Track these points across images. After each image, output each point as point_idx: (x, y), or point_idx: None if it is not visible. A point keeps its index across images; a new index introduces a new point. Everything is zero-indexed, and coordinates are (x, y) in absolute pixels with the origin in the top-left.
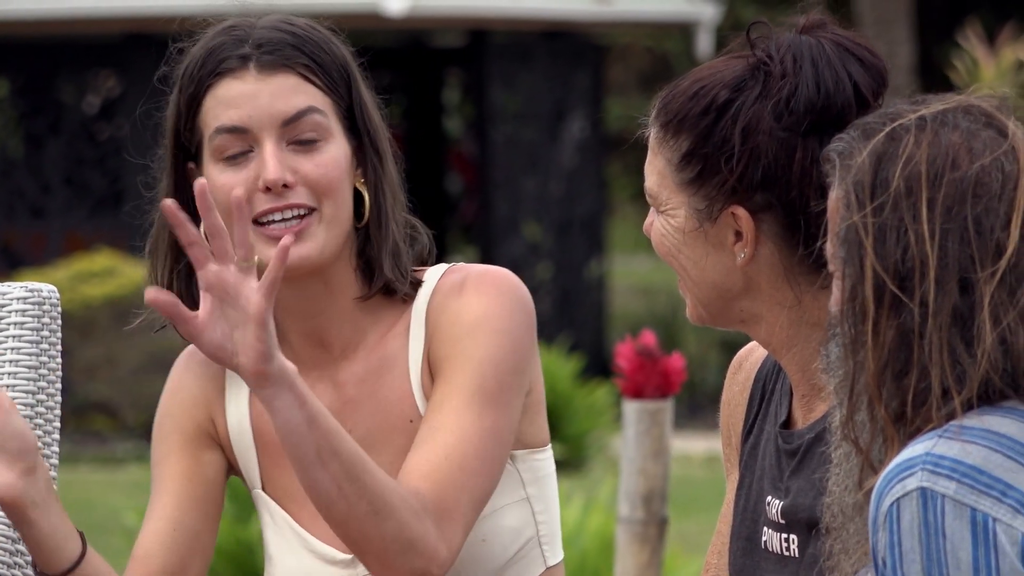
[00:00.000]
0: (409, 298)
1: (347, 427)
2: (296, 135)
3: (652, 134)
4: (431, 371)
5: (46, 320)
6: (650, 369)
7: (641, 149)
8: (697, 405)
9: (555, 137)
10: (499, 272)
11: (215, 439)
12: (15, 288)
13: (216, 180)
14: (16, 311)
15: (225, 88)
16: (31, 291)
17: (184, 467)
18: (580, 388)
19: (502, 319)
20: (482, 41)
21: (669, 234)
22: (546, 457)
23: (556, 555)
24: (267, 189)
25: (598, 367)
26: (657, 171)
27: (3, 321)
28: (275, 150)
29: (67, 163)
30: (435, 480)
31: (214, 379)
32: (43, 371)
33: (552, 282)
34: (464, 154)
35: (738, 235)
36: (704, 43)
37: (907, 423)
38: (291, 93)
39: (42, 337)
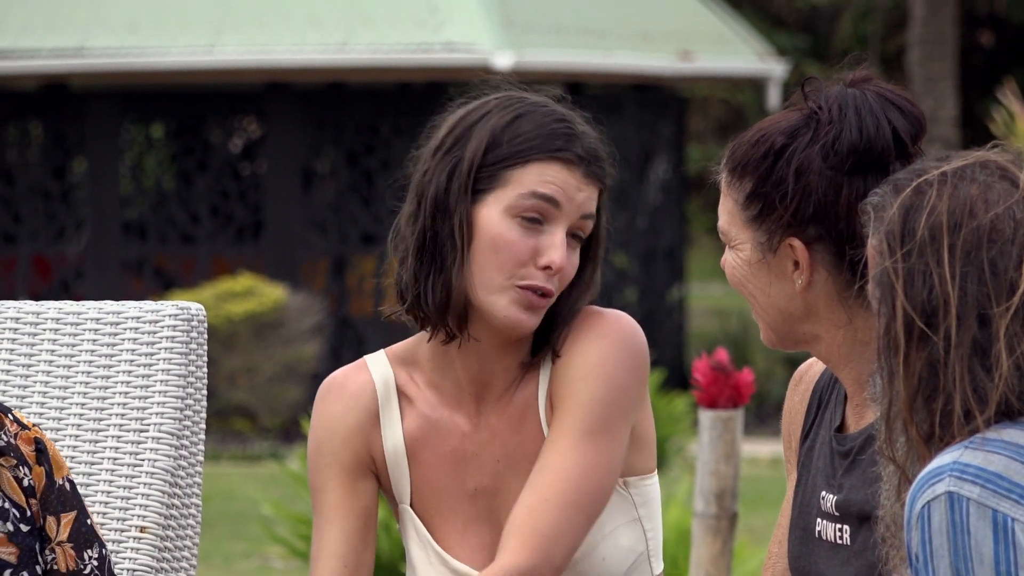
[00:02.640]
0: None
1: (494, 459)
2: (576, 228)
3: (723, 178)
4: (552, 407)
5: (194, 334)
6: (723, 382)
7: (716, 190)
8: (764, 414)
9: (642, 178)
10: (615, 317)
11: (371, 467)
12: (167, 306)
13: (506, 234)
14: (168, 326)
15: (555, 170)
16: (181, 309)
17: (344, 500)
18: (662, 399)
19: (613, 364)
20: (578, 92)
21: (739, 266)
22: (654, 482)
23: (659, 565)
24: (546, 268)
25: (677, 380)
26: (727, 211)
27: (157, 335)
28: (564, 240)
29: (213, 196)
30: (535, 520)
31: (366, 408)
32: (191, 379)
33: (637, 305)
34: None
35: (796, 264)
36: (773, 96)
37: (936, 441)
38: (593, 197)
39: (190, 349)
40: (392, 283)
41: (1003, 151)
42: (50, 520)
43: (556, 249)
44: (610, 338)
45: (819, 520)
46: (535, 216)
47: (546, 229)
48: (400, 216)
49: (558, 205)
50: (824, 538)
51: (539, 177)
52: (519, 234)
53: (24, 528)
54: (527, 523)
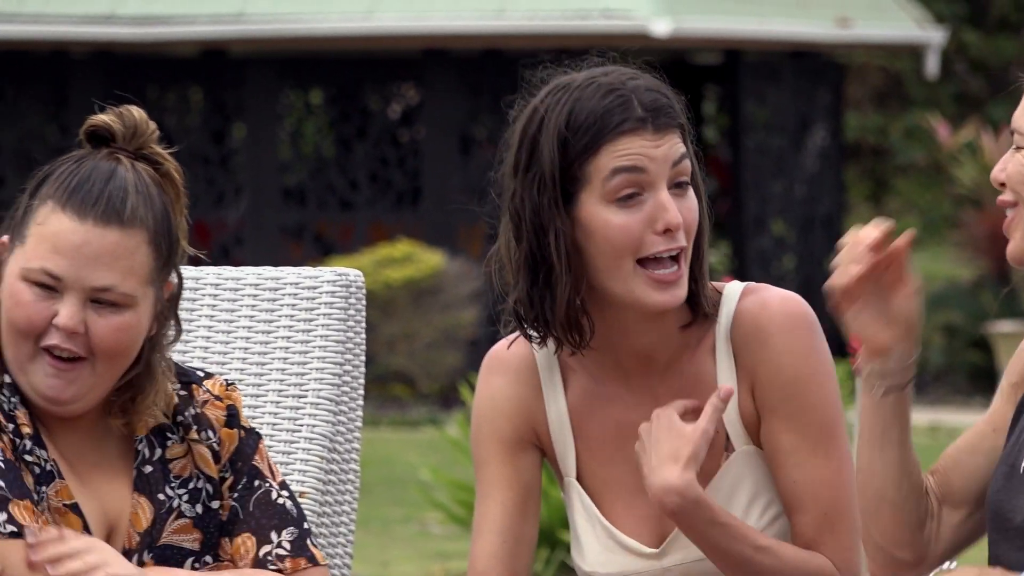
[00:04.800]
0: (712, 315)
1: None
2: (675, 178)
3: None
4: (755, 405)
5: (352, 300)
6: None
7: (874, 156)
8: (922, 381)
9: (799, 145)
10: (795, 305)
11: (533, 441)
12: (326, 272)
13: (612, 220)
14: (327, 292)
15: (625, 142)
16: (340, 275)
17: (506, 473)
18: None
19: (817, 357)
20: (736, 60)
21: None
22: None
23: None
24: (665, 231)
25: (836, 348)
26: None
27: (315, 301)
28: (669, 196)
29: (372, 162)
30: (828, 537)
31: (528, 382)
32: (349, 344)
33: (795, 272)
34: (719, 159)
35: None
36: (932, 63)
37: None
38: (674, 142)
39: (349, 315)
40: (506, 308)
41: None
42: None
43: (666, 209)
44: (802, 329)
45: None
46: (630, 191)
47: (647, 196)
48: (499, 243)
49: (644, 171)
50: None
51: (613, 156)
52: (624, 215)
53: (214, 505)
54: (823, 526)
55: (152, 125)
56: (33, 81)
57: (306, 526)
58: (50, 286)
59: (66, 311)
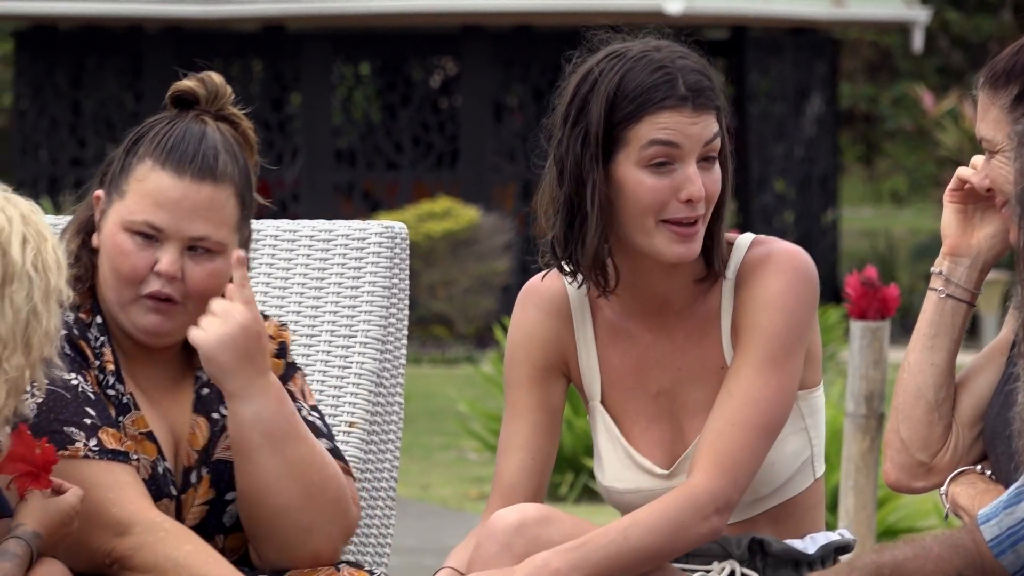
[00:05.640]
0: (722, 271)
1: (676, 366)
2: (705, 154)
3: (982, 96)
4: (735, 332)
5: (397, 250)
6: (872, 296)
7: (865, 122)
8: (909, 325)
9: (798, 112)
10: (793, 253)
11: (562, 368)
12: (373, 225)
13: (643, 182)
14: (374, 243)
15: (666, 117)
16: (386, 227)
17: (535, 397)
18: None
19: (792, 296)
20: (742, 36)
21: (1005, 166)
22: (819, 394)
23: (821, 468)
24: (687, 201)
25: (830, 294)
26: (992, 120)
27: (364, 251)
28: (696, 171)
29: (415, 127)
30: (722, 444)
31: (560, 314)
32: (394, 290)
33: (794, 226)
34: (727, 125)
35: None
36: (917, 39)
37: None
38: (709, 123)
39: (394, 264)
40: (543, 241)
41: None
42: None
43: (691, 182)
44: (789, 273)
45: None
46: (662, 160)
47: (677, 167)
48: (543, 181)
49: (677, 145)
50: None
51: (653, 127)
52: (654, 179)
53: None
54: (716, 447)
55: (229, 89)
56: (112, 53)
57: (335, 445)
58: (151, 235)
59: (167, 258)
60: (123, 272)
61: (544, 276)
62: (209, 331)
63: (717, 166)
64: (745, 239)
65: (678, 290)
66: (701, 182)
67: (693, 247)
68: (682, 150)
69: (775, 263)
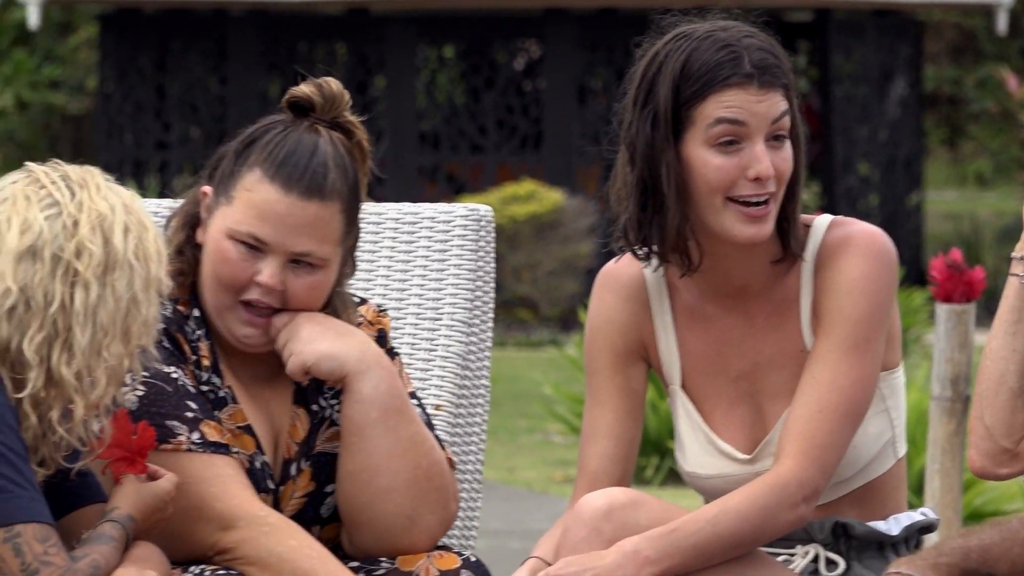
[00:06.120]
0: (800, 253)
1: (756, 350)
2: (773, 132)
3: None
4: (816, 315)
5: (482, 233)
6: (957, 279)
7: (949, 104)
8: (994, 307)
9: (882, 94)
10: (873, 235)
11: (642, 353)
12: (459, 208)
13: (710, 161)
14: (459, 226)
15: (731, 95)
16: (471, 210)
17: (616, 383)
18: (901, 294)
19: (874, 279)
20: (826, 18)
21: None
22: (899, 375)
23: (903, 448)
24: (756, 179)
25: (915, 277)
26: None
27: (449, 234)
28: (764, 148)
29: (499, 110)
30: (810, 430)
31: (638, 298)
32: (480, 273)
33: (879, 209)
34: (811, 107)
35: None
36: (1002, 22)
37: None
38: (776, 100)
39: (479, 247)
40: (617, 225)
41: None
42: None
43: (759, 160)
44: (869, 256)
45: None
46: (729, 139)
47: (745, 146)
48: (616, 165)
49: (743, 124)
50: None
51: (718, 106)
52: (722, 158)
53: None
54: (803, 434)
55: (347, 95)
56: (197, 37)
57: (435, 433)
58: (255, 246)
59: (268, 270)
60: (224, 278)
61: (618, 260)
62: (306, 350)
63: (788, 145)
64: (823, 221)
65: (755, 272)
66: (769, 160)
67: (764, 228)
68: (748, 128)
69: (855, 246)
